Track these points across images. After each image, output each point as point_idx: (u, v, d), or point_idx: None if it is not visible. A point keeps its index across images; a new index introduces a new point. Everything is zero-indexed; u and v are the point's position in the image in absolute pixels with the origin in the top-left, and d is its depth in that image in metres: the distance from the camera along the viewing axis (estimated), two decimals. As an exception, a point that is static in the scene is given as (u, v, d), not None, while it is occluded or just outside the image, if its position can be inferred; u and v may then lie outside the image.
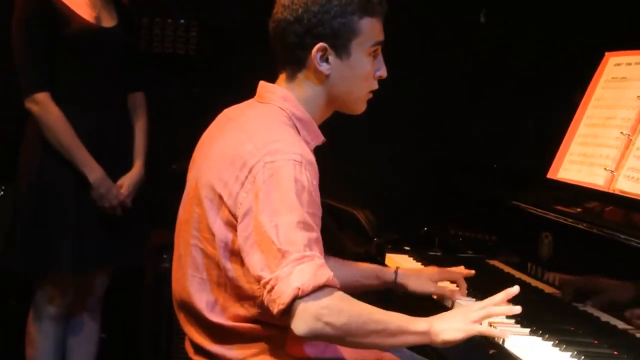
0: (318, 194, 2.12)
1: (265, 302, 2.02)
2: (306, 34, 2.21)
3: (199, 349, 2.27)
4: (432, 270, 2.67)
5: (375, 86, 2.31)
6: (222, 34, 4.38)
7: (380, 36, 2.27)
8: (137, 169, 3.59)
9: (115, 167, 3.51)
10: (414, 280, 2.60)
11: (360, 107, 2.33)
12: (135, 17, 3.83)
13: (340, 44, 2.22)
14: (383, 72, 2.30)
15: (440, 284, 2.61)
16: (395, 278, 2.60)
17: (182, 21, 4.36)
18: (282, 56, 2.28)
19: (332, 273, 2.00)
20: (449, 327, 2.07)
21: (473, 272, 2.62)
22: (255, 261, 2.03)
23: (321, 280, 1.97)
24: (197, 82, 4.37)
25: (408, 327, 2.06)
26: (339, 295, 2.01)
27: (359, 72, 2.26)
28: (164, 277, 3.88)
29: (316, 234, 2.05)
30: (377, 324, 2.03)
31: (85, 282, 3.61)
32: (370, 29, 2.24)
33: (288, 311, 1.97)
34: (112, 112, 3.53)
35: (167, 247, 3.84)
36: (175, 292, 2.31)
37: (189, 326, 2.29)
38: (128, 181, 3.54)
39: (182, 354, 3.74)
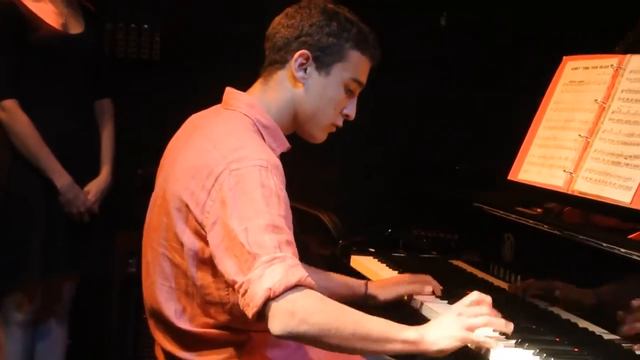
0: (286, 197, 2.12)
1: (241, 307, 2.01)
2: (296, 38, 2.26)
3: (169, 356, 2.29)
4: (400, 277, 2.71)
5: (340, 122, 2.35)
6: (186, 39, 4.40)
7: (362, 77, 2.32)
8: (104, 175, 3.60)
9: (83, 173, 3.53)
10: (383, 290, 2.63)
11: (319, 135, 2.36)
12: (102, 23, 3.84)
13: (323, 60, 2.27)
14: (351, 113, 2.35)
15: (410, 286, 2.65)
16: (366, 290, 2.63)
17: (146, 26, 4.38)
18: (268, 57, 2.32)
19: (306, 273, 1.99)
20: (443, 335, 2.04)
21: (436, 283, 2.63)
22: (228, 266, 2.04)
23: (292, 280, 1.96)
24: (162, 87, 4.38)
25: (396, 334, 2.02)
26: (313, 294, 1.99)
27: (330, 95, 2.29)
28: (131, 282, 3.91)
29: (287, 236, 2.05)
30: (359, 327, 1.99)
31: (54, 288, 3.61)
32: (357, 63, 2.30)
33: (262, 313, 1.97)
34: (80, 118, 3.55)
35: (134, 252, 3.87)
36: (146, 299, 2.33)
37: (158, 333, 2.31)
38: (95, 187, 3.55)
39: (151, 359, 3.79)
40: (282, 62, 2.28)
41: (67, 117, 3.49)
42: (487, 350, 2.08)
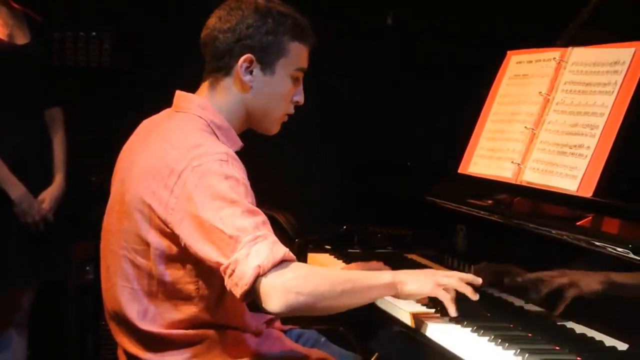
0: (249, 185, 2.17)
1: (229, 288, 2.05)
2: (236, 42, 2.28)
3: (132, 358, 2.31)
4: (351, 266, 2.77)
5: (291, 110, 2.39)
6: (135, 45, 4.40)
7: (304, 63, 2.36)
8: (57, 183, 3.60)
9: (37, 183, 3.52)
10: None
11: (274, 127, 2.40)
12: (48, 32, 3.83)
13: (266, 60, 2.30)
14: (300, 99, 2.39)
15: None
16: None
17: (94, 34, 4.37)
18: (209, 63, 2.34)
19: (287, 248, 2.07)
20: (414, 279, 2.20)
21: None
22: (208, 252, 2.08)
23: (278, 255, 2.03)
24: (112, 93, 4.38)
25: (374, 281, 2.16)
26: (299, 265, 2.08)
27: (279, 91, 2.33)
28: (88, 289, 3.90)
29: (262, 217, 2.11)
30: (345, 284, 2.11)
31: (12, 298, 3.60)
32: (298, 53, 2.33)
33: (252, 292, 2.02)
34: (30, 128, 3.54)
35: (90, 259, 3.87)
36: (106, 303, 2.35)
37: (121, 335, 2.32)
38: (49, 196, 3.55)
39: (111, 364, 3.79)
40: (226, 69, 2.31)
41: (17, 127, 3.48)
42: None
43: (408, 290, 2.19)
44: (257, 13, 2.29)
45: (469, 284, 2.25)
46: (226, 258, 2.04)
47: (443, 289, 2.21)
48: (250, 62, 2.29)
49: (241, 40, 2.28)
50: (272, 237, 2.08)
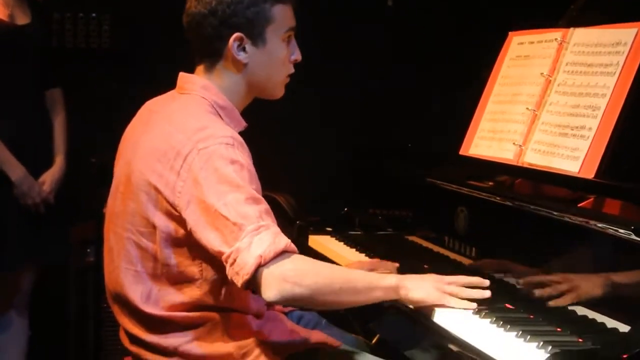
0: (254, 171, 2.18)
1: (230, 277, 2.06)
2: (221, 25, 2.25)
3: (134, 339, 2.31)
4: (359, 263, 2.75)
5: (292, 70, 2.38)
6: (135, 26, 4.38)
7: (292, 22, 2.34)
8: (58, 165, 3.59)
9: (37, 164, 3.52)
10: None
11: (279, 92, 2.40)
12: (49, 13, 3.82)
13: (255, 32, 2.28)
14: (297, 56, 2.37)
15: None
16: None
17: (94, 15, 4.35)
18: (198, 49, 2.32)
19: (289, 240, 2.07)
20: (420, 286, 2.18)
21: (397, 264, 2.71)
22: (212, 239, 2.08)
23: (280, 246, 2.04)
24: (112, 75, 4.36)
25: (376, 282, 2.16)
26: (301, 257, 2.09)
27: (275, 57, 2.32)
28: (89, 271, 3.91)
29: (265, 205, 2.11)
30: (345, 282, 2.11)
31: (12, 280, 3.60)
32: (283, 15, 2.31)
33: (253, 281, 2.03)
34: (31, 109, 3.54)
35: (91, 241, 3.88)
36: (109, 285, 2.35)
37: (123, 317, 2.33)
38: (50, 178, 3.54)
39: (112, 347, 3.80)
40: (218, 53, 2.29)
41: (17, 108, 3.47)
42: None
43: (412, 297, 2.18)
44: None
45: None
46: (229, 246, 2.05)
47: (449, 295, 2.20)
48: (241, 39, 2.27)
49: (225, 20, 2.25)
50: (275, 228, 2.08)
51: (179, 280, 2.23)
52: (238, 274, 2.04)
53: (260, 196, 2.12)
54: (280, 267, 2.03)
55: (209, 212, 2.08)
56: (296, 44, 2.37)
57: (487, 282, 2.26)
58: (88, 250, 3.97)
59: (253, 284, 2.04)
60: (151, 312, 2.25)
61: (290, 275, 2.04)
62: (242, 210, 2.06)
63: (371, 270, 2.63)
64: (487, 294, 2.22)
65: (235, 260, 2.04)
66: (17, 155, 3.43)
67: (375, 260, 2.75)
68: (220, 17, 2.25)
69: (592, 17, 2.69)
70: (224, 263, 2.07)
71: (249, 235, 2.03)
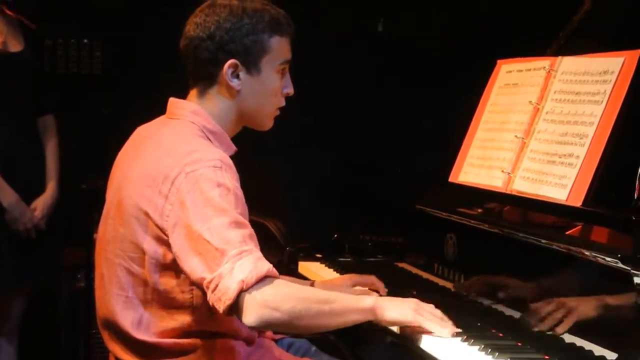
0: (242, 194, 2.19)
1: (211, 303, 2.07)
2: (218, 50, 2.27)
3: (124, 366, 2.31)
4: (345, 277, 2.77)
5: (283, 103, 2.40)
6: (126, 52, 4.40)
7: (288, 55, 2.36)
8: (50, 191, 3.60)
9: (29, 190, 3.52)
10: (330, 289, 2.68)
11: (268, 123, 2.41)
12: (41, 40, 3.84)
13: (251, 61, 2.29)
14: (290, 90, 2.39)
15: (356, 287, 2.71)
16: None
17: (86, 41, 4.38)
18: (193, 72, 2.34)
19: (270, 264, 2.08)
20: (395, 306, 2.20)
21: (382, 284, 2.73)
22: (194, 265, 2.08)
23: (262, 271, 2.05)
24: (104, 100, 4.38)
25: (353, 304, 2.17)
26: (282, 282, 2.09)
27: (268, 88, 2.34)
28: (80, 297, 3.90)
29: (249, 230, 2.12)
30: (323, 305, 2.12)
31: (2, 306, 3.59)
32: (280, 47, 2.33)
33: (235, 306, 2.03)
34: (23, 135, 3.54)
35: (82, 266, 3.87)
36: (100, 311, 2.35)
37: (113, 343, 2.32)
38: (42, 204, 3.55)
39: (102, 372, 3.78)
40: (212, 78, 2.30)
41: (9, 135, 3.48)
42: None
43: (388, 317, 2.20)
44: (232, 15, 2.28)
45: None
46: (210, 272, 2.05)
47: (423, 323, 2.22)
48: (235, 66, 2.29)
49: (222, 46, 2.27)
50: (257, 253, 2.09)
51: (170, 306, 2.23)
52: (220, 300, 2.04)
53: (245, 220, 2.13)
54: (261, 292, 2.04)
55: (192, 236, 2.09)
56: (290, 78, 2.39)
57: (457, 331, 2.25)
58: (79, 275, 3.97)
59: (235, 309, 2.04)
60: (142, 338, 2.25)
61: (270, 300, 2.04)
62: (225, 235, 2.07)
63: (355, 284, 2.70)
64: (457, 330, 2.24)
65: (217, 285, 2.04)
66: (9, 181, 3.43)
67: (365, 277, 2.75)
68: (218, 42, 2.27)
69: (580, 45, 2.71)
70: (205, 289, 2.07)
71: (231, 261, 2.04)
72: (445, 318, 2.26)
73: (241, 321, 2.06)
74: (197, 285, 2.11)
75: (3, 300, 3.59)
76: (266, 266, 2.07)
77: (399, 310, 2.20)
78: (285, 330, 2.17)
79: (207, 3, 2.33)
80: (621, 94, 2.34)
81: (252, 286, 2.03)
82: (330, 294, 2.19)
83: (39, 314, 3.94)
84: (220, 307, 2.04)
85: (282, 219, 3.43)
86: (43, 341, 4.13)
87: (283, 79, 2.37)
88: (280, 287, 2.08)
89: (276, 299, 2.05)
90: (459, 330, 2.24)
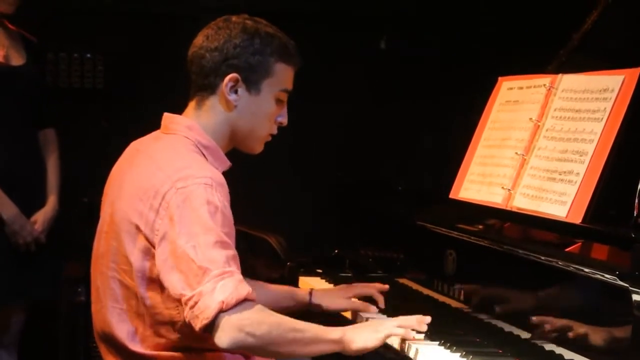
0: (231, 213, 2.20)
1: (188, 319, 2.08)
2: (223, 62, 2.30)
3: (121, 379, 2.31)
4: (344, 287, 2.78)
5: (275, 131, 2.41)
6: (129, 67, 4.42)
7: (289, 84, 2.38)
8: (51, 205, 3.61)
9: (29, 203, 3.53)
10: (328, 298, 2.71)
11: (258, 147, 2.42)
12: (44, 54, 3.85)
13: (252, 79, 2.31)
14: (284, 120, 2.41)
15: (354, 299, 2.72)
16: (310, 299, 2.70)
17: (89, 55, 4.39)
18: (195, 82, 2.35)
19: (250, 288, 2.09)
20: (360, 335, 2.20)
21: (387, 286, 2.75)
22: (175, 281, 2.10)
23: (242, 294, 2.06)
24: (105, 115, 4.39)
25: (323, 335, 2.18)
26: (259, 307, 2.11)
27: (263, 110, 2.35)
28: (79, 311, 3.90)
29: (233, 252, 2.13)
30: (296, 333, 2.13)
31: (1, 319, 3.59)
32: (283, 74, 2.35)
33: (211, 326, 2.05)
34: (24, 149, 3.56)
35: (82, 280, 3.87)
36: (96, 324, 2.35)
37: (110, 357, 2.33)
38: (42, 217, 3.55)
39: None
40: (212, 88, 2.32)
41: (11, 147, 3.50)
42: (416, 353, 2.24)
43: (355, 348, 2.20)
44: (244, 33, 2.31)
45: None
46: (191, 289, 2.07)
47: (386, 336, 2.24)
48: (236, 81, 2.30)
49: (228, 59, 2.30)
50: (239, 275, 2.10)
51: (160, 321, 2.24)
52: (197, 317, 2.05)
53: (230, 241, 2.14)
54: (239, 315, 2.06)
55: (176, 253, 2.10)
56: (286, 110, 2.41)
57: (424, 327, 2.29)
58: (79, 289, 3.96)
59: (210, 328, 2.06)
60: (138, 350, 2.25)
61: (246, 325, 2.06)
62: (209, 254, 2.08)
63: (355, 296, 2.72)
64: (427, 319, 2.29)
65: (196, 303, 2.05)
66: (9, 194, 3.44)
67: (362, 285, 2.78)
68: (224, 55, 2.30)
69: (581, 63, 2.72)
70: (184, 305, 2.08)
71: (212, 280, 2.05)
72: (413, 318, 2.29)
73: (214, 341, 2.07)
74: (177, 300, 2.12)
75: (2, 313, 3.59)
76: (246, 289, 2.08)
77: (364, 339, 2.20)
78: (257, 354, 2.20)
79: (222, 18, 2.37)
80: (621, 111, 2.35)
81: (231, 308, 2.05)
82: (303, 324, 2.18)
83: (39, 327, 3.94)
84: (197, 324, 2.06)
85: (283, 234, 3.44)
86: (43, 354, 4.13)
87: (279, 108, 2.38)
88: (257, 313, 2.10)
89: (252, 323, 2.07)
90: (427, 317, 2.29)
